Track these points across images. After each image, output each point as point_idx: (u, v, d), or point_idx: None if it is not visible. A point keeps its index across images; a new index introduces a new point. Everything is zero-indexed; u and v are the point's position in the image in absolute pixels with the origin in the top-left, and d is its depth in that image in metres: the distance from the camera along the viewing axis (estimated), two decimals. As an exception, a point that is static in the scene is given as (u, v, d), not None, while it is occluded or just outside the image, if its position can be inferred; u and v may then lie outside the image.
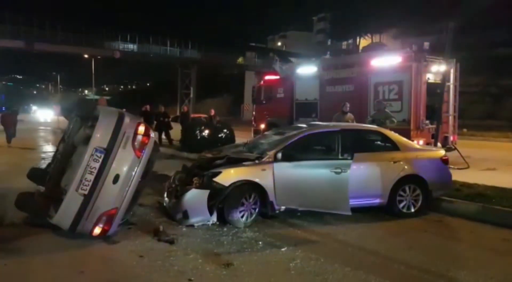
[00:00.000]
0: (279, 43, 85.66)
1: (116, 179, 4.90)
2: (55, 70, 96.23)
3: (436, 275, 4.20)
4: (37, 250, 4.67)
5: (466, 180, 8.13)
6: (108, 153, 4.85)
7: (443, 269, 4.36)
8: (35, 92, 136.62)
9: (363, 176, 6.34)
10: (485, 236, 5.67)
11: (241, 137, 13.23)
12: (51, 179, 5.50)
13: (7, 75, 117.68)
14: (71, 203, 4.77)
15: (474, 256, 4.92)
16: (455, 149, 11.11)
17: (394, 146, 6.78)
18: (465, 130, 22.80)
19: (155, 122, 16.68)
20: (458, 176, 8.05)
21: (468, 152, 11.24)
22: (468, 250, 5.16)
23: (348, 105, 10.23)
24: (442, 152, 7.24)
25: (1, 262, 4.29)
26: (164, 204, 6.40)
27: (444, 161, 6.98)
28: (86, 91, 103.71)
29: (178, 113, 25.99)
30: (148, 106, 18.29)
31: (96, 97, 59.93)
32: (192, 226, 5.58)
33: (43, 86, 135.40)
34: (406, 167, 6.52)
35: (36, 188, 5.93)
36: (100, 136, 4.92)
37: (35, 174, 6.20)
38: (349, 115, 10.16)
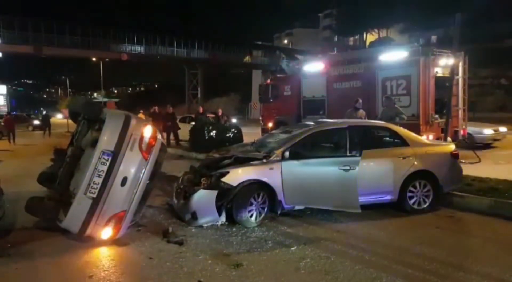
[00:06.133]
0: (286, 41, 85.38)
1: (124, 181, 4.91)
2: (64, 74, 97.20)
3: (448, 271, 4.14)
4: (47, 254, 4.70)
5: (478, 174, 8.02)
6: (115, 155, 4.86)
7: (456, 264, 4.30)
8: (45, 96, 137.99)
9: (372, 173, 6.27)
10: (497, 231, 5.59)
11: (249, 137, 13.21)
12: (60, 183, 5.53)
13: (17, 80, 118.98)
14: (80, 206, 4.79)
15: (487, 250, 4.85)
16: (466, 142, 10.98)
17: (403, 142, 6.70)
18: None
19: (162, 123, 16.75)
20: (469, 170, 7.94)
21: (479, 145, 11.12)
22: (481, 245, 5.09)
23: (360, 101, 10.16)
24: (452, 146, 7.14)
25: (13, 266, 4.33)
26: (173, 205, 6.41)
27: (455, 156, 6.88)
28: (95, 94, 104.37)
29: (186, 114, 26.06)
30: (156, 108, 18.38)
31: (105, 100, 60.44)
32: (201, 226, 5.58)
33: (53, 91, 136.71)
34: (415, 162, 6.45)
35: (46, 192, 5.97)
36: (107, 139, 4.93)
37: (45, 178, 6.24)
38: (361, 111, 10.09)
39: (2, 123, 25.22)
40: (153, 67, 79.45)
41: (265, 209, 5.83)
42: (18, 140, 20.93)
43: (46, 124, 26.87)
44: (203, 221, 5.62)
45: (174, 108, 19.46)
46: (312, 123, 7.27)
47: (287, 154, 5.89)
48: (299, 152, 5.98)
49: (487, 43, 36.27)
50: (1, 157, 14.69)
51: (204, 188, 5.73)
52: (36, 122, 31.50)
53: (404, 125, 7.79)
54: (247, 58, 60.31)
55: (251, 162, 5.94)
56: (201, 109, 18.32)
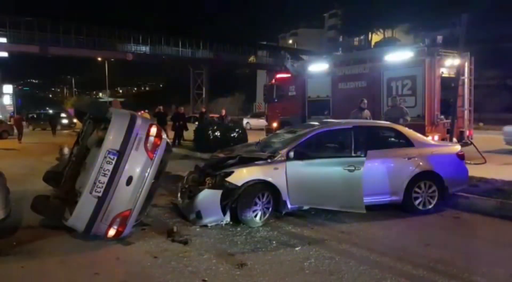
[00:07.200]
0: (290, 41, 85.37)
1: (129, 180, 4.93)
2: (69, 73, 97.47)
3: (454, 273, 4.12)
4: (52, 252, 4.73)
5: (483, 175, 7.97)
6: (121, 155, 4.88)
7: (461, 266, 4.27)
8: (50, 96, 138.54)
9: (377, 173, 6.25)
10: (503, 232, 5.56)
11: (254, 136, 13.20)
12: (66, 182, 5.56)
13: (23, 80, 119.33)
14: (85, 205, 4.81)
15: (493, 252, 4.82)
16: (471, 143, 10.93)
17: (408, 142, 6.68)
18: (481, 124, 22.42)
19: (169, 123, 16.84)
20: (475, 171, 7.90)
21: (484, 146, 11.06)
22: (487, 246, 5.06)
23: (366, 101, 10.13)
24: (457, 147, 7.11)
25: (18, 264, 4.36)
26: (178, 205, 6.42)
27: (460, 156, 6.86)
28: (100, 94, 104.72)
29: (191, 114, 26.24)
30: (161, 107, 18.45)
31: (110, 99, 60.61)
32: (205, 226, 5.59)
33: (58, 90, 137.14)
34: (421, 163, 6.42)
35: (52, 190, 6.01)
36: (113, 138, 4.95)
37: (50, 177, 6.28)
38: (367, 112, 10.06)
39: (10, 122, 25.55)
40: (158, 67, 79.61)
41: (270, 209, 5.83)
42: (24, 138, 21.16)
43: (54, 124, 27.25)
44: (208, 220, 5.63)
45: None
46: (317, 123, 7.26)
47: (291, 154, 5.88)
48: (303, 152, 5.97)
49: (494, 43, 36.02)
50: (8, 156, 14.81)
51: (209, 188, 5.74)
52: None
53: (410, 126, 7.76)
54: (252, 58, 60.29)
55: (256, 162, 5.95)
56: (203, 109, 18.38)
